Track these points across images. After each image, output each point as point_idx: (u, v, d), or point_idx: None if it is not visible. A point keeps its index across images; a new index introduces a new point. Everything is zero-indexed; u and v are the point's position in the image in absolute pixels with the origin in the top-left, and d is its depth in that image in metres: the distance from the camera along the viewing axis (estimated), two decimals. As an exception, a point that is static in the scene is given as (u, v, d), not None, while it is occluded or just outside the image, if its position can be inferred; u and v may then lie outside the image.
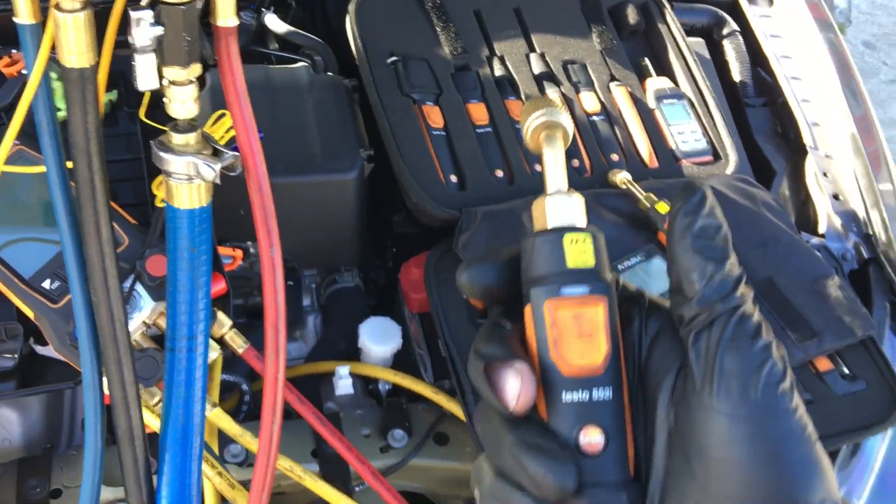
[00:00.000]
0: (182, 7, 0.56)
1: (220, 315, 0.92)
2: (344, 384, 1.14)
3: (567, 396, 0.45)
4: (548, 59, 1.34)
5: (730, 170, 1.26)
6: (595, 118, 1.29)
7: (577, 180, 1.21)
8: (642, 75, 1.36)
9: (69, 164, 0.63)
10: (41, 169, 0.90)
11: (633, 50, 1.41)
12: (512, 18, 1.37)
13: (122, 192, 1.16)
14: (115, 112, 1.26)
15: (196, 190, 0.64)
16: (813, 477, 0.42)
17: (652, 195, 1.14)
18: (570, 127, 0.51)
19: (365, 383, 1.19)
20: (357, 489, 1.03)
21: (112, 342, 0.67)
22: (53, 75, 0.68)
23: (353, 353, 1.21)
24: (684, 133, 1.29)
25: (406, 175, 1.16)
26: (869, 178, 1.36)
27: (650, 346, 0.46)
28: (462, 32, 1.33)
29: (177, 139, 0.62)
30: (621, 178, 1.18)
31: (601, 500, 0.45)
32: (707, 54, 1.50)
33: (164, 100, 0.60)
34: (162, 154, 0.62)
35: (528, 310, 0.46)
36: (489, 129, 1.24)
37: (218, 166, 0.62)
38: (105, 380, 0.69)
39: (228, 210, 0.91)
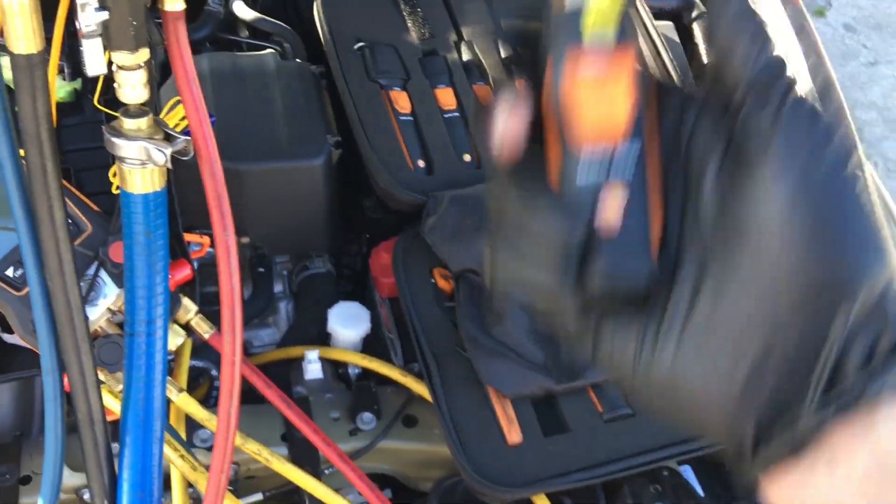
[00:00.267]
0: (127, -8, 0.56)
1: (186, 301, 0.92)
2: (313, 368, 1.15)
3: (584, 160, 0.41)
4: (516, 43, 1.34)
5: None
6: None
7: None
8: (611, 58, 1.37)
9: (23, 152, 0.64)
10: None
11: (601, 33, 1.41)
12: (480, 3, 1.37)
13: (87, 180, 1.16)
14: (81, 101, 1.26)
15: (149, 175, 0.65)
16: (877, 260, 0.39)
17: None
18: None
19: (334, 367, 1.19)
20: (326, 472, 1.04)
21: (70, 328, 0.67)
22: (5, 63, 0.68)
23: (324, 339, 1.22)
24: (652, 116, 1.30)
25: (373, 160, 1.17)
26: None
27: (691, 132, 0.43)
28: (429, 17, 1.34)
29: (128, 124, 0.63)
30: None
31: (618, 268, 0.41)
32: (676, 37, 1.51)
33: (115, 84, 0.61)
34: (114, 139, 0.63)
35: (549, 61, 0.42)
36: (457, 114, 1.25)
37: (169, 150, 0.63)
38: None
39: (196, 197, 0.92)
